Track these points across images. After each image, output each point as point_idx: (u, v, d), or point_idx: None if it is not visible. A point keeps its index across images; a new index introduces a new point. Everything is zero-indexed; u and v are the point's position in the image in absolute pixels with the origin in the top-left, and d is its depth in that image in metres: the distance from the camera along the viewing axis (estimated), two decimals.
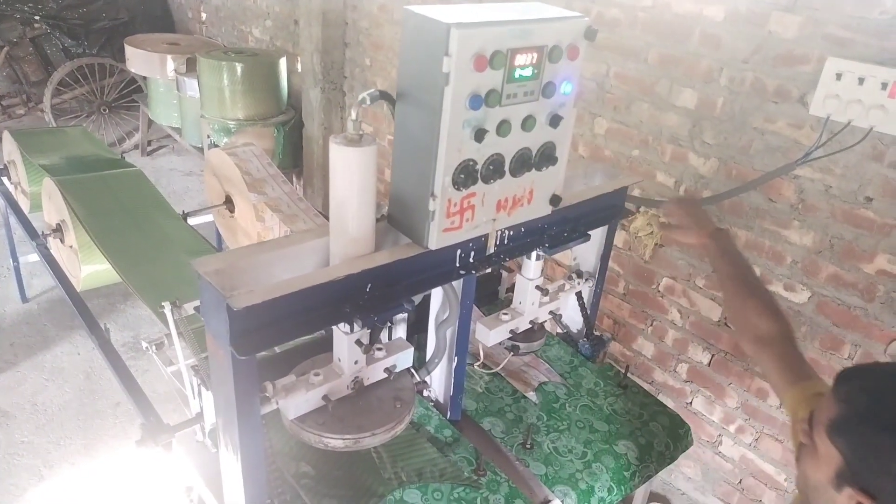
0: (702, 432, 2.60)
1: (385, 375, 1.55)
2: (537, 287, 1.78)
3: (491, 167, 1.31)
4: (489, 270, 2.30)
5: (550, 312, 1.88)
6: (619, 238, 2.65)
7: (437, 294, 1.64)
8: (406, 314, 1.76)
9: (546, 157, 1.39)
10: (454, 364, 1.68)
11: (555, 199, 1.50)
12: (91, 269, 2.67)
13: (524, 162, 1.36)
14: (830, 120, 1.90)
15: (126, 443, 2.75)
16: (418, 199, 1.29)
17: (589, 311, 2.01)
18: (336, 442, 1.41)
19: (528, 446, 1.70)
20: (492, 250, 1.50)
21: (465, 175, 1.27)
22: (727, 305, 1.44)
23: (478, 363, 1.88)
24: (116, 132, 5.61)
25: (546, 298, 1.85)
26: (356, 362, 1.47)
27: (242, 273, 1.21)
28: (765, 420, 2.39)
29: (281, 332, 1.19)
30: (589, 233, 1.73)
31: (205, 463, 1.61)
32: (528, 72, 1.24)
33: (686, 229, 1.55)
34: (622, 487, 1.70)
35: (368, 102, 1.22)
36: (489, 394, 1.88)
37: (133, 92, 5.52)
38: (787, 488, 2.40)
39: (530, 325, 1.84)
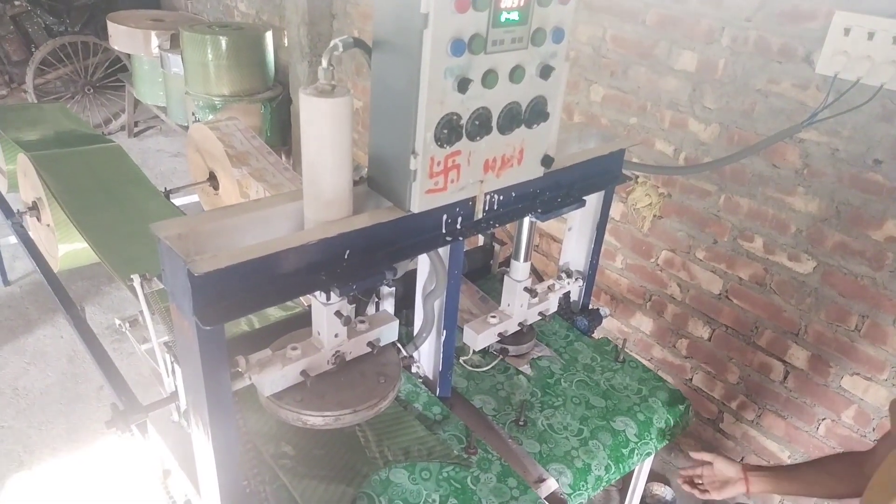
0: (702, 409, 2.52)
1: (368, 350, 1.46)
2: (526, 289, 1.69)
3: (477, 122, 1.21)
4: (480, 243, 2.23)
5: (540, 314, 1.80)
6: (617, 210, 2.56)
7: (423, 264, 1.55)
8: (393, 288, 1.67)
9: (537, 112, 1.29)
10: (443, 338, 1.59)
11: (547, 160, 1.41)
12: (68, 247, 2.57)
13: (513, 117, 1.26)
14: (838, 78, 1.80)
15: None
16: (398, 157, 1.20)
17: (586, 281, 1.92)
18: (315, 419, 1.32)
19: (521, 423, 1.62)
20: (480, 215, 1.40)
21: (449, 130, 1.17)
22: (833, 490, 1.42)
23: (464, 358, 1.79)
24: (102, 113, 5.48)
25: (535, 300, 1.77)
26: (336, 335, 1.38)
27: (207, 238, 1.12)
28: (768, 396, 2.31)
29: (249, 301, 1.09)
30: (584, 198, 1.64)
31: (180, 444, 1.53)
32: (514, 15, 1.13)
33: (727, 480, 1.53)
34: (620, 465, 1.62)
35: (341, 49, 1.12)
36: (477, 367, 1.79)
37: (118, 71, 5.38)
38: None
39: (519, 328, 1.76)
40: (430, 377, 1.70)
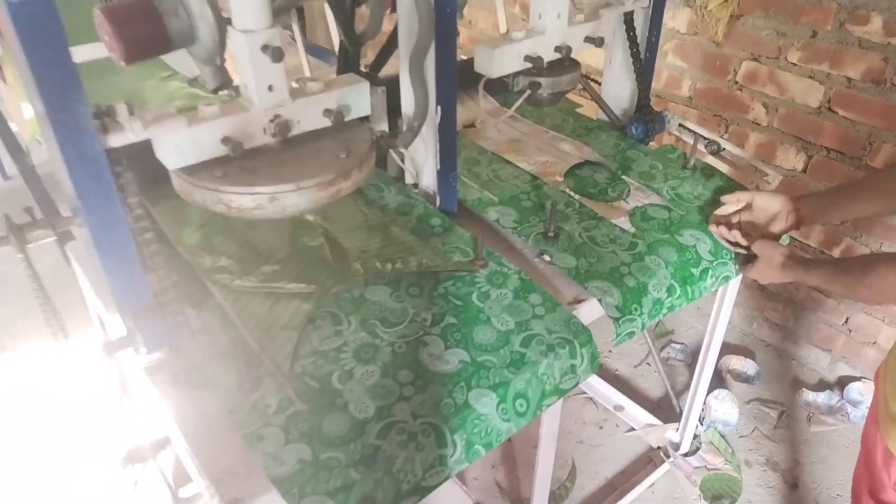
0: None
1: (327, 123, 1.04)
2: None
3: None
4: None
5: (587, 38, 1.27)
6: (682, 19, 2.02)
7: (403, 13, 1.11)
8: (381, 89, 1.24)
9: None
10: (438, 118, 1.15)
11: None
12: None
13: None
14: None
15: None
16: None
17: (644, 73, 1.44)
18: (242, 199, 0.92)
19: (550, 235, 1.19)
20: None
21: None
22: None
23: (478, 120, 1.34)
24: None
25: (579, 16, 1.25)
26: (271, 89, 0.96)
27: None
28: (884, 235, 1.80)
29: None
30: None
31: None
32: None
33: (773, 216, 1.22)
34: (688, 289, 1.17)
35: None
36: (499, 181, 1.36)
37: None
38: None
39: (557, 55, 1.25)
40: (431, 192, 1.28)
